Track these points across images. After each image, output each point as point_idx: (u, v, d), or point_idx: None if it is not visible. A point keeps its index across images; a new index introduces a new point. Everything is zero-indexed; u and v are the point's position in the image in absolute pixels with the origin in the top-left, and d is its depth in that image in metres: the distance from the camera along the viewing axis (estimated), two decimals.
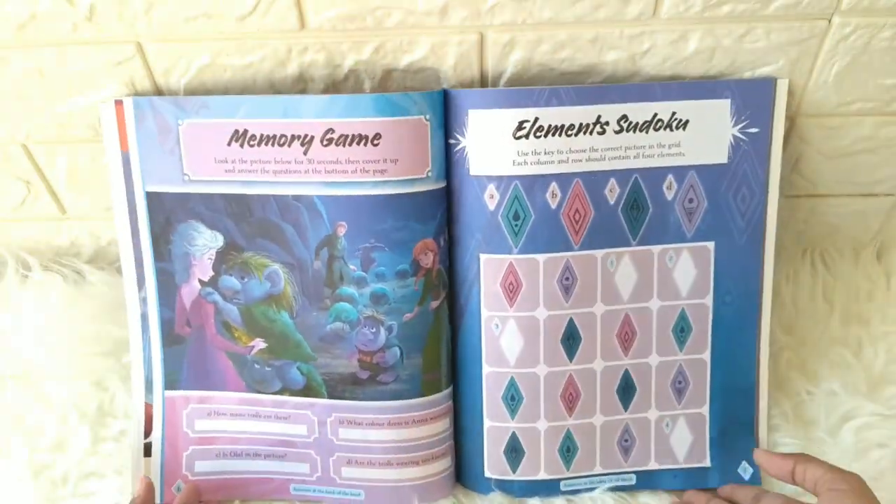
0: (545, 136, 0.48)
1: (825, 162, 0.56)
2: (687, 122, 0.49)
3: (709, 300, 0.52)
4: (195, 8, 0.47)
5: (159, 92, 0.52)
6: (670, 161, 0.50)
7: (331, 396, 0.51)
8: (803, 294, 0.61)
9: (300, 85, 0.51)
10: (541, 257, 0.50)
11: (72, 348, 0.59)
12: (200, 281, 0.51)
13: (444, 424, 0.52)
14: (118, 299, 0.54)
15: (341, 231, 0.49)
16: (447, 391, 0.52)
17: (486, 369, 0.52)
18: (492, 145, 0.49)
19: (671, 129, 0.49)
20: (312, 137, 0.47)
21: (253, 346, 0.52)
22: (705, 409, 0.53)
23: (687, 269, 0.51)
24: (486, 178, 0.49)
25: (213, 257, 0.51)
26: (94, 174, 0.56)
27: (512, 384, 0.52)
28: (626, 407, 0.53)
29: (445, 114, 0.49)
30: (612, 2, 0.47)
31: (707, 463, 0.54)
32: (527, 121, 0.48)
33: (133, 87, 0.51)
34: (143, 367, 0.53)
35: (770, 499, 0.46)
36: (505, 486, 0.53)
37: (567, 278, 0.50)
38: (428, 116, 0.47)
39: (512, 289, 0.50)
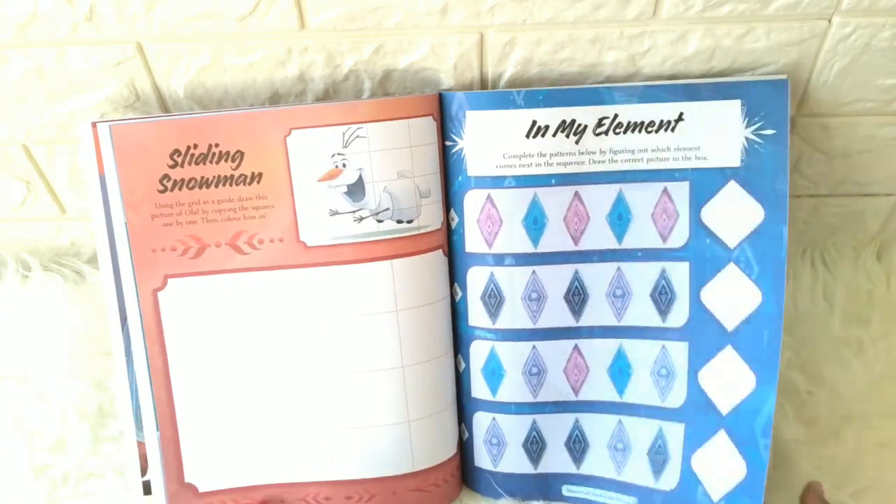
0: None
1: (825, 162, 0.56)
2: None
3: None
4: (195, 8, 0.47)
5: (159, 92, 0.52)
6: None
7: None
8: (803, 294, 0.61)
9: (300, 85, 0.51)
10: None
11: (72, 348, 0.59)
12: None
13: None
14: None
15: None
16: None
17: None
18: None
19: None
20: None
21: None
22: None
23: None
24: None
25: None
26: None
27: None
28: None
29: (442, 115, 0.49)
30: (612, 2, 0.47)
31: None
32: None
33: (133, 87, 0.51)
34: (132, 403, 0.50)
35: None
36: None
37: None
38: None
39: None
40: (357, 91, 0.52)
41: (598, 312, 0.51)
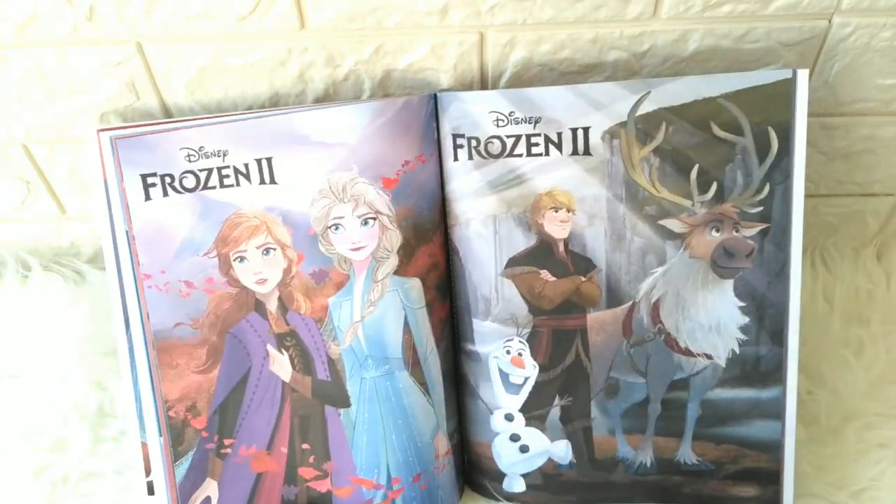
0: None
1: (825, 162, 0.56)
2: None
3: None
4: (195, 8, 0.47)
5: (159, 92, 0.52)
6: None
7: None
8: (803, 294, 0.60)
9: (300, 85, 0.51)
10: None
11: (72, 348, 0.59)
12: None
13: None
14: None
15: None
16: None
17: None
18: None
19: None
20: None
21: None
22: None
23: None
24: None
25: None
26: None
27: None
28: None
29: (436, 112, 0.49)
30: (612, 2, 0.47)
31: None
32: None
33: (133, 88, 0.51)
34: (136, 405, 0.51)
35: None
36: None
37: None
38: None
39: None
40: (357, 91, 0.52)
41: None
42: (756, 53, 0.50)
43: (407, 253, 0.49)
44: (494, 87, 0.52)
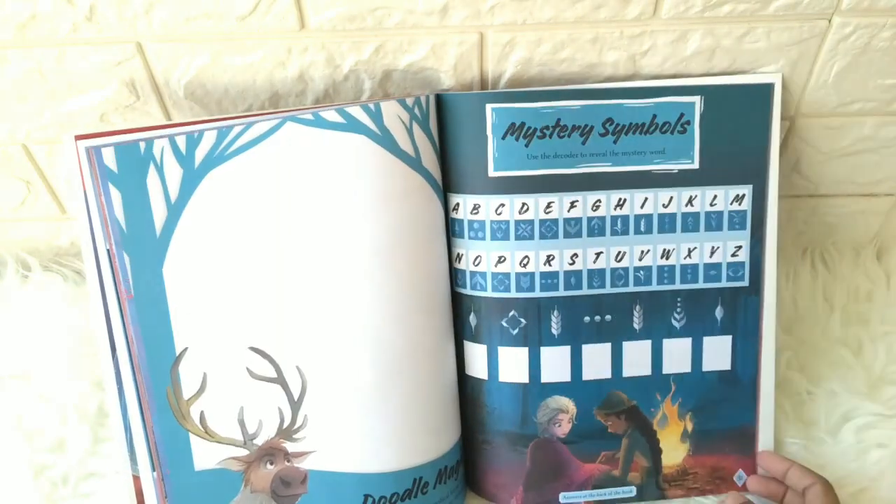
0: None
1: (825, 162, 0.56)
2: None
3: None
4: (195, 8, 0.47)
5: (159, 92, 0.52)
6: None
7: None
8: (803, 294, 0.61)
9: (300, 85, 0.51)
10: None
11: (72, 348, 0.59)
12: None
13: None
14: None
15: None
16: None
17: None
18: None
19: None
20: None
21: None
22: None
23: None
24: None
25: None
26: None
27: None
28: None
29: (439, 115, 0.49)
30: (612, 2, 0.47)
31: None
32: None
33: (133, 88, 0.51)
34: (125, 436, 0.48)
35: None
36: None
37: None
38: None
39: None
40: (357, 91, 0.52)
41: None
42: (756, 53, 0.50)
43: None
44: (494, 87, 0.52)
